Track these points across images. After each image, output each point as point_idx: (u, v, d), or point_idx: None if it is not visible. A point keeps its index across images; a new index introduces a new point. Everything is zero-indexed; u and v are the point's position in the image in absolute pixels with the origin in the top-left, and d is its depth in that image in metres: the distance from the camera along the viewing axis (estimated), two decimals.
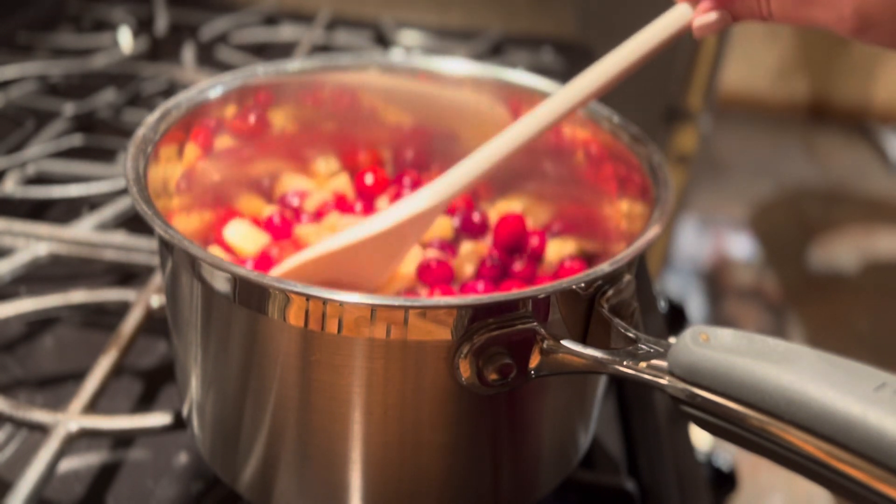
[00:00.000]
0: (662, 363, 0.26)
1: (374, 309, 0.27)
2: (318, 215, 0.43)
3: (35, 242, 0.49)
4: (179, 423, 0.38)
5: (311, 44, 0.85)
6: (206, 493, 0.38)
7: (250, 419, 0.31)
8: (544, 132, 0.35)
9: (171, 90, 0.74)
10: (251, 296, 0.28)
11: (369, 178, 0.44)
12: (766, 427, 0.24)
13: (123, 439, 0.40)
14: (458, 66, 0.43)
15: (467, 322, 0.27)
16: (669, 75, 1.02)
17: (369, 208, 0.44)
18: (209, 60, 0.81)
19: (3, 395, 0.38)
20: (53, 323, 0.48)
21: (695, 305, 1.61)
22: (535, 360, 0.28)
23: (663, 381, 0.26)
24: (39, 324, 0.48)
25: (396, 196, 0.44)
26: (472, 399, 0.29)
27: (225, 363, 0.30)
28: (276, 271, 0.37)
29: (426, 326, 0.27)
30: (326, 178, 0.45)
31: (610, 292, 0.29)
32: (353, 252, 0.37)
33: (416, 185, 0.45)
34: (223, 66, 0.77)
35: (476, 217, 0.43)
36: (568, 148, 0.41)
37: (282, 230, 0.41)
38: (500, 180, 0.45)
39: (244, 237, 0.40)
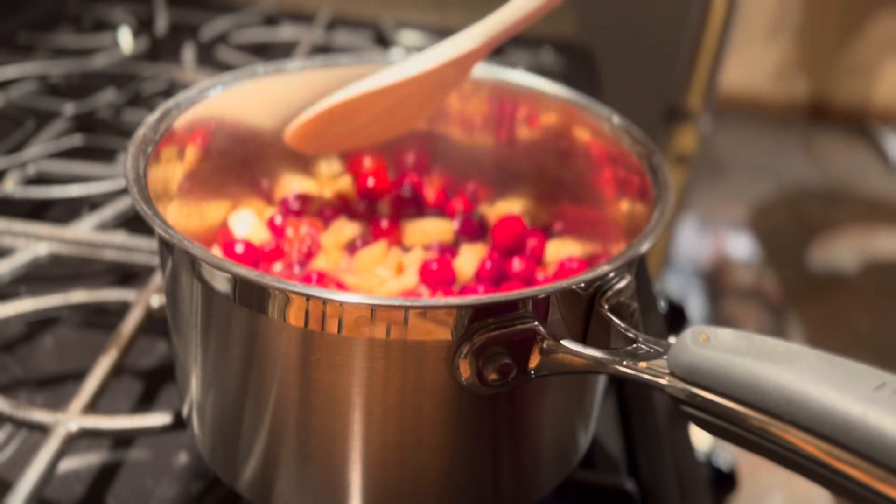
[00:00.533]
0: (662, 363, 0.26)
1: (374, 309, 0.27)
2: (323, 218, 0.43)
3: (35, 242, 0.49)
4: (179, 423, 0.38)
5: (311, 44, 0.85)
6: (206, 493, 0.38)
7: (250, 419, 0.31)
8: None
9: (171, 90, 0.74)
10: (251, 296, 0.28)
11: (371, 182, 0.44)
12: (766, 427, 0.24)
13: (123, 439, 0.40)
14: None
15: (467, 322, 0.27)
16: (669, 75, 1.02)
17: (371, 211, 0.44)
18: (209, 60, 0.81)
19: (3, 395, 0.38)
20: (53, 323, 0.48)
21: (695, 305, 1.61)
22: (535, 360, 0.28)
23: (663, 381, 0.26)
24: (39, 324, 0.48)
25: (396, 200, 0.44)
26: (472, 399, 0.29)
27: (225, 363, 0.30)
28: (317, 107, 0.38)
29: (426, 326, 0.27)
30: (329, 180, 0.45)
31: (610, 292, 0.29)
32: (394, 93, 0.37)
33: (416, 187, 0.45)
34: (223, 66, 0.77)
35: (475, 219, 0.43)
36: (568, 148, 0.41)
37: (283, 231, 0.41)
38: (500, 181, 0.45)
39: (251, 229, 0.40)
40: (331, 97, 0.39)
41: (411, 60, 0.38)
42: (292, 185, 0.43)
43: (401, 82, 0.37)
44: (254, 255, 0.39)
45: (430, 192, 0.45)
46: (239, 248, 0.39)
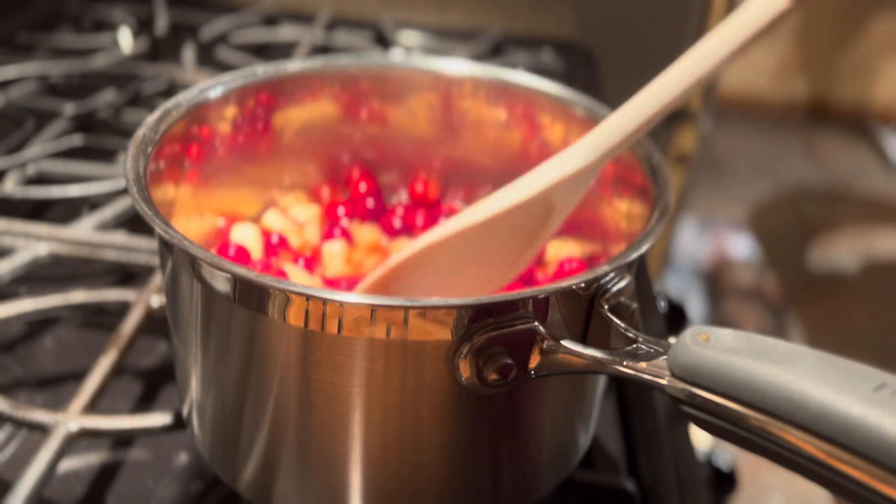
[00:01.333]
0: (662, 363, 0.26)
1: (374, 309, 0.27)
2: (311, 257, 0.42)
3: (35, 242, 0.49)
4: (179, 423, 0.38)
5: (311, 44, 0.85)
6: (206, 493, 0.38)
7: (250, 419, 0.31)
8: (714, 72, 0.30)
9: (171, 90, 0.74)
10: (251, 296, 0.28)
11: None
12: (766, 427, 0.24)
13: (123, 439, 0.40)
14: (458, 66, 0.43)
15: (467, 322, 0.27)
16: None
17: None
18: (209, 60, 0.81)
19: (3, 395, 0.38)
20: (53, 323, 0.48)
21: (695, 305, 1.61)
22: (535, 360, 0.28)
23: (663, 382, 0.26)
24: (39, 324, 0.48)
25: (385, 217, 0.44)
26: (472, 399, 0.29)
27: (225, 363, 0.30)
28: (382, 269, 0.31)
29: (426, 326, 0.27)
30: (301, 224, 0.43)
31: (610, 292, 0.29)
32: (484, 233, 0.30)
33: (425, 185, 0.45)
34: (223, 66, 0.77)
35: None
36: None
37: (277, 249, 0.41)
38: (500, 181, 0.45)
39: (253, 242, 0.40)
40: (399, 253, 0.32)
41: (494, 198, 0.31)
42: (274, 223, 0.42)
43: (473, 226, 0.30)
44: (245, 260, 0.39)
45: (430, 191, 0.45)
46: (231, 252, 0.39)
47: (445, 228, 0.31)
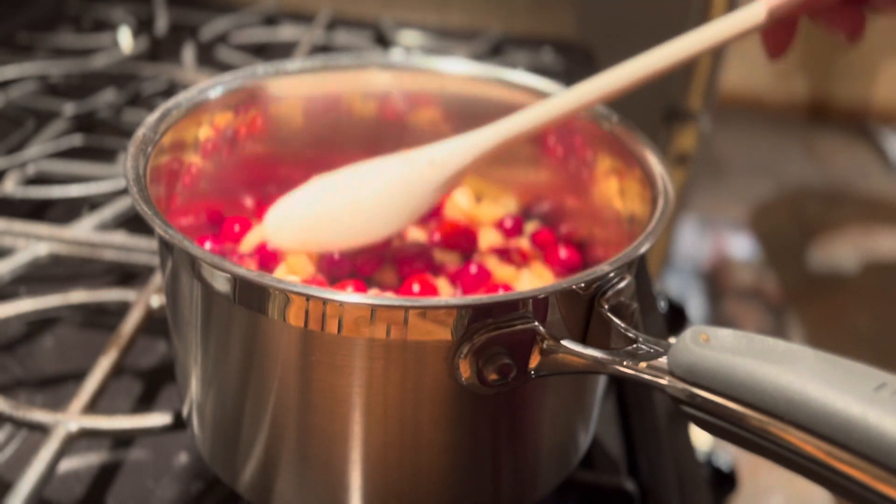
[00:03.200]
0: (662, 363, 0.26)
1: (374, 309, 0.27)
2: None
3: (35, 242, 0.49)
4: (179, 423, 0.38)
5: (311, 44, 0.85)
6: (206, 493, 0.38)
7: (250, 419, 0.31)
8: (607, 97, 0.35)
9: (171, 90, 0.74)
10: (251, 296, 0.28)
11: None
12: (766, 427, 0.24)
13: (123, 439, 0.40)
14: (458, 66, 0.43)
15: (467, 322, 0.27)
16: (669, 75, 1.02)
17: None
18: (209, 60, 0.81)
19: (3, 395, 0.38)
20: (53, 323, 0.48)
21: (695, 305, 1.61)
22: (535, 360, 0.28)
23: (663, 382, 0.26)
24: (39, 324, 0.48)
25: None
26: (472, 399, 0.29)
27: (225, 363, 0.30)
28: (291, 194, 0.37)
29: (426, 326, 0.27)
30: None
31: (610, 292, 0.29)
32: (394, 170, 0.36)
33: None
34: (223, 66, 0.77)
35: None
36: (568, 148, 0.41)
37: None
38: (499, 180, 0.45)
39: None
40: (307, 183, 0.38)
41: (392, 159, 0.38)
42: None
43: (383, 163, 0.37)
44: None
45: None
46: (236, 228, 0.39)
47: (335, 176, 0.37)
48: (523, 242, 0.42)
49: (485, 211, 0.44)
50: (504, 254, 0.41)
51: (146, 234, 0.51)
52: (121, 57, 0.79)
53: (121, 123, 0.69)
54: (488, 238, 0.42)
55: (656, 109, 1.04)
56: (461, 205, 0.44)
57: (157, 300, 0.44)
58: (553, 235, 0.42)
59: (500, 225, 0.43)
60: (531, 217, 0.44)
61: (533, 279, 0.39)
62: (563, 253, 0.40)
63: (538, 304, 0.28)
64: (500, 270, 0.39)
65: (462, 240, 0.42)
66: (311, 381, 0.29)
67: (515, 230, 0.43)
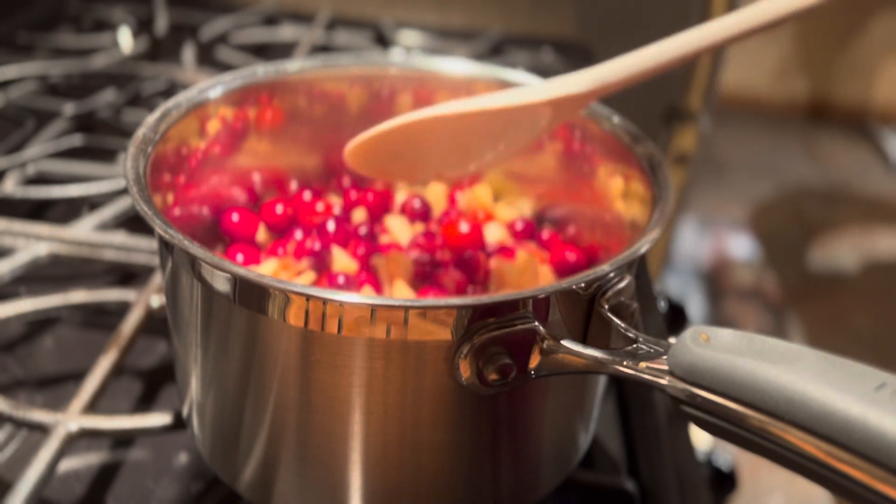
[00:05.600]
0: (662, 363, 0.26)
1: (374, 309, 0.27)
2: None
3: (35, 242, 0.49)
4: (179, 423, 0.38)
5: (311, 44, 0.85)
6: (206, 493, 0.38)
7: (250, 419, 0.31)
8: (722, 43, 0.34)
9: (171, 90, 0.74)
10: (251, 296, 0.28)
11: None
12: (766, 427, 0.24)
13: (123, 439, 0.40)
14: (458, 66, 0.43)
15: (467, 322, 0.27)
16: (669, 75, 1.02)
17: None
18: (209, 60, 0.81)
19: (3, 395, 0.38)
20: (53, 323, 0.48)
21: (695, 305, 1.61)
22: (535, 360, 0.28)
23: (663, 382, 0.26)
24: (39, 324, 0.48)
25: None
26: (472, 399, 0.29)
27: (225, 363, 0.30)
28: (380, 126, 0.35)
29: (426, 326, 0.27)
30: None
31: (610, 292, 0.29)
32: (467, 121, 0.34)
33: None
34: (223, 66, 0.77)
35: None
36: (567, 148, 0.41)
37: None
38: (499, 181, 0.45)
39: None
40: (397, 118, 0.35)
41: (502, 93, 0.35)
42: None
43: (474, 111, 0.34)
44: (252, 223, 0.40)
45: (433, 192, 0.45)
46: (235, 217, 0.39)
47: (428, 111, 0.35)
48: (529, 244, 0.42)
49: (499, 210, 0.44)
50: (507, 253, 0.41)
51: (146, 234, 0.51)
52: (121, 57, 0.79)
53: (121, 123, 0.69)
54: (494, 234, 0.42)
55: (656, 109, 1.04)
56: (480, 198, 0.44)
57: (157, 300, 0.44)
58: (558, 237, 0.42)
59: (510, 226, 0.43)
60: (544, 222, 0.44)
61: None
62: (570, 256, 0.40)
63: (538, 304, 0.28)
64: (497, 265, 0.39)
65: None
66: (311, 381, 0.29)
67: (525, 233, 0.43)
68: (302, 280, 0.38)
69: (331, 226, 0.41)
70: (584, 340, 0.30)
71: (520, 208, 0.44)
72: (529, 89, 0.34)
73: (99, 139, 0.66)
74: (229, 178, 0.41)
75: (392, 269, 0.38)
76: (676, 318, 0.60)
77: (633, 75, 0.34)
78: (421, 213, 0.43)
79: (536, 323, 0.28)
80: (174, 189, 0.36)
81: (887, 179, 2.18)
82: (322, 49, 0.86)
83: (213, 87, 0.39)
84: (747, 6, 0.33)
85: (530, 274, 0.39)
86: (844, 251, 1.85)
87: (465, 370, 0.28)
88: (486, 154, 0.37)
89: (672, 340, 0.26)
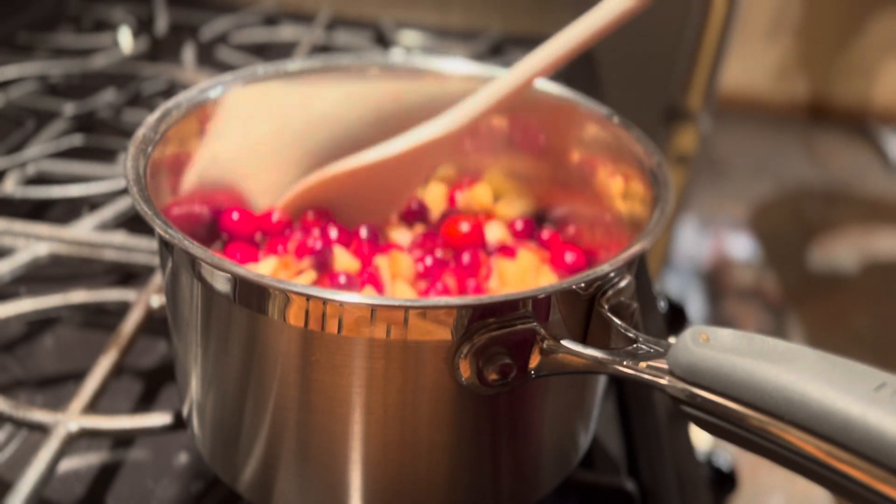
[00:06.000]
0: (662, 363, 0.26)
1: (374, 309, 0.27)
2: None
3: (35, 242, 0.49)
4: (179, 423, 0.38)
5: (311, 44, 0.85)
6: (206, 493, 0.38)
7: (250, 419, 0.31)
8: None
9: (171, 90, 0.74)
10: (251, 296, 0.28)
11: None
12: (766, 427, 0.24)
13: (123, 439, 0.40)
14: (458, 66, 0.43)
15: (467, 322, 0.27)
16: (669, 75, 1.02)
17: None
18: (209, 60, 0.81)
19: (3, 395, 0.38)
20: (53, 323, 0.48)
21: (695, 305, 1.61)
22: (535, 360, 0.28)
23: (663, 382, 0.26)
24: (39, 324, 0.48)
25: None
26: (472, 399, 0.29)
27: (225, 363, 0.30)
28: (296, 189, 0.40)
29: (426, 326, 0.27)
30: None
31: (610, 292, 0.29)
32: (365, 175, 0.39)
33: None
34: (223, 66, 0.77)
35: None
36: (567, 148, 0.41)
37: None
38: (499, 181, 0.45)
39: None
40: (321, 171, 0.40)
41: (397, 140, 0.40)
42: None
43: (383, 160, 0.39)
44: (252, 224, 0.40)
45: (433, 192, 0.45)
46: (235, 216, 0.39)
47: (347, 162, 0.40)
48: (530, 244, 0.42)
49: (499, 209, 0.44)
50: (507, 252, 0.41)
51: (146, 234, 0.51)
52: (121, 57, 0.79)
53: (121, 123, 0.69)
54: (495, 233, 0.42)
55: (656, 109, 1.04)
56: (480, 198, 0.44)
57: (157, 300, 0.44)
58: (558, 237, 0.42)
59: (510, 226, 0.43)
60: (545, 222, 0.44)
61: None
62: (569, 257, 0.40)
63: (538, 303, 0.28)
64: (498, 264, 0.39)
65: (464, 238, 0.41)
66: (311, 381, 0.29)
67: (525, 233, 0.43)
68: (303, 279, 0.38)
69: (333, 233, 0.41)
70: (584, 340, 0.30)
71: (520, 208, 0.44)
72: (414, 134, 0.39)
73: (99, 139, 0.66)
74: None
75: (393, 268, 0.38)
76: (676, 318, 0.60)
77: (493, 103, 0.39)
78: (418, 213, 0.43)
79: (536, 323, 0.28)
80: (174, 189, 0.36)
81: (887, 179, 2.18)
82: (322, 49, 0.86)
83: (213, 86, 0.39)
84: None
85: (531, 274, 0.39)
86: (844, 251, 1.85)
87: (465, 370, 0.28)
88: (401, 196, 0.42)
89: (672, 340, 0.26)
